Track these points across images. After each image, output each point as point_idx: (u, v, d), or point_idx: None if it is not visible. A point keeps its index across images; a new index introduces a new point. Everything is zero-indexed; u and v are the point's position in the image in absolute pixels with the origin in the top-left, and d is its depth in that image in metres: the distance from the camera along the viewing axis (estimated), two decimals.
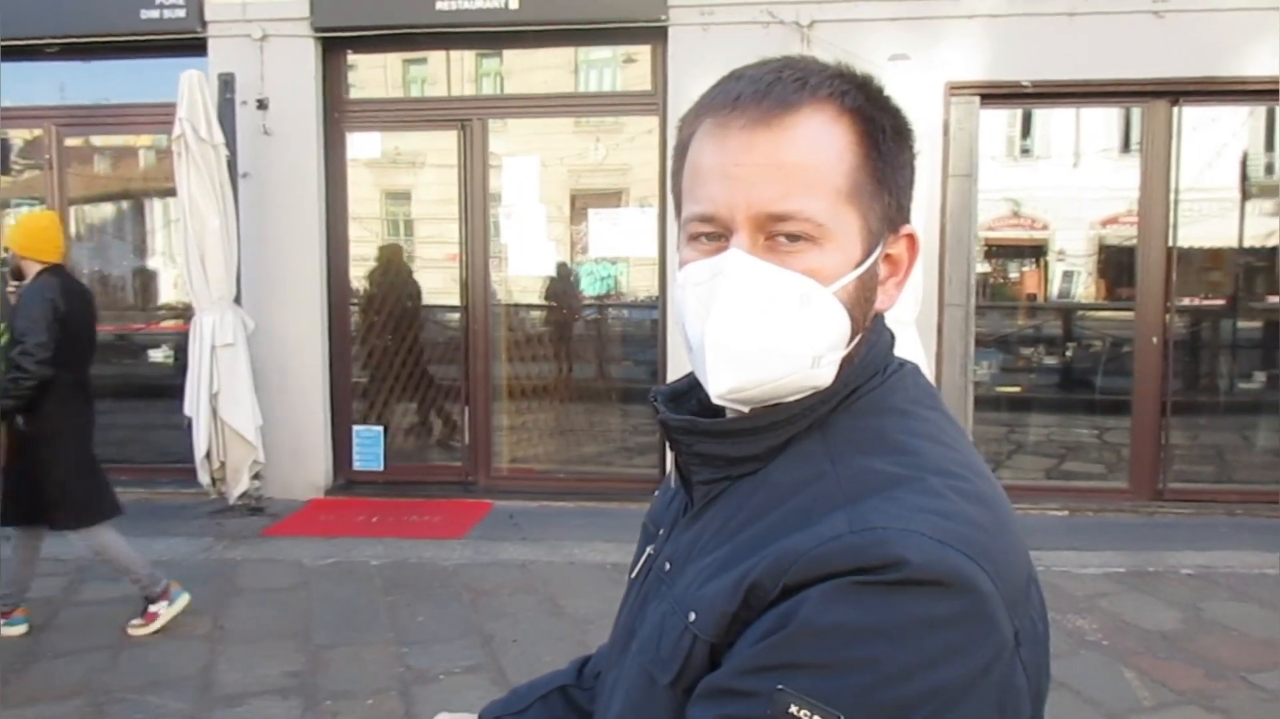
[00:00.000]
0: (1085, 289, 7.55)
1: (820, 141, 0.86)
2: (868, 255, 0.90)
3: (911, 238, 0.95)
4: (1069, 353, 7.49)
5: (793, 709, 0.74)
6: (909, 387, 0.95)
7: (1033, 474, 6.91)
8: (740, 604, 0.81)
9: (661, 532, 1.03)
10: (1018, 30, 6.14)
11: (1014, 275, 7.66)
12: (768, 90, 0.86)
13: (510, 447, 7.14)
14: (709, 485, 0.94)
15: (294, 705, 3.83)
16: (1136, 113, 6.55)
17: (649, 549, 1.05)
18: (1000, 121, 7.08)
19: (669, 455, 1.00)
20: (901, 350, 0.99)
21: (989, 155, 6.76)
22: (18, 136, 7.38)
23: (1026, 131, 7.43)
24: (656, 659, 0.89)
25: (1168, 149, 6.35)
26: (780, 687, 0.75)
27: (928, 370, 5.69)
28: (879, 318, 0.96)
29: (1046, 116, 7.23)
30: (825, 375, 0.88)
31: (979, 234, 6.66)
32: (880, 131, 0.89)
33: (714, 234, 0.89)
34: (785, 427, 0.89)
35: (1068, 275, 7.58)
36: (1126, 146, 6.83)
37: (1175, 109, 6.31)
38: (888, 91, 0.93)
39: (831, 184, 0.86)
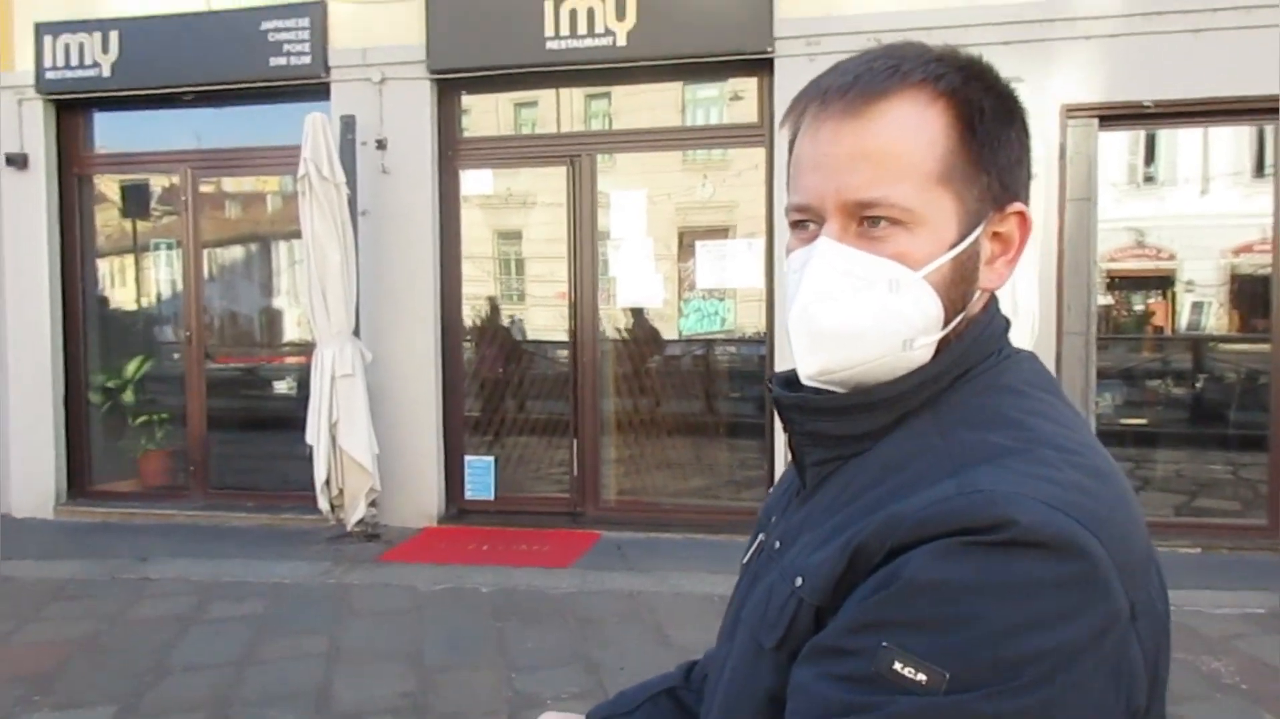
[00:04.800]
0: (1216, 320, 7.20)
1: (909, 127, 0.88)
2: (965, 235, 0.90)
3: (1022, 215, 0.94)
4: (1199, 385, 7.15)
5: (897, 666, 0.74)
6: (1024, 370, 0.94)
7: (1162, 510, 6.57)
8: (846, 567, 0.81)
9: (774, 519, 1.04)
10: (1137, 49, 5.95)
11: (1139, 307, 7.37)
12: (854, 82, 0.89)
13: (618, 478, 7.17)
14: (821, 466, 0.95)
15: None
16: (1270, 132, 6.26)
17: (760, 536, 1.05)
18: (1122, 147, 6.85)
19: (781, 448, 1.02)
20: None
21: (1110, 183, 6.54)
22: (157, 182, 7.84)
23: (1150, 158, 7.17)
24: (763, 623, 0.89)
25: None
26: (885, 644, 0.74)
27: None
28: (993, 300, 0.96)
29: (1171, 140, 6.96)
30: (920, 358, 0.89)
31: (1100, 264, 6.44)
32: (977, 113, 0.89)
33: (808, 222, 0.93)
34: (897, 403, 0.90)
35: (1197, 306, 7.26)
36: (1260, 169, 6.53)
37: None
38: (995, 71, 0.93)
39: (921, 169, 0.87)
